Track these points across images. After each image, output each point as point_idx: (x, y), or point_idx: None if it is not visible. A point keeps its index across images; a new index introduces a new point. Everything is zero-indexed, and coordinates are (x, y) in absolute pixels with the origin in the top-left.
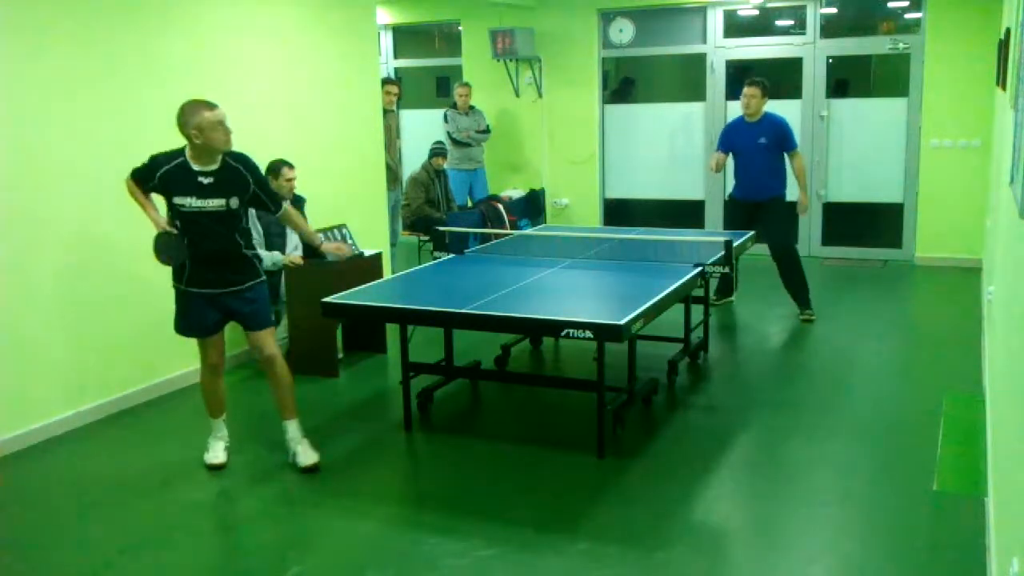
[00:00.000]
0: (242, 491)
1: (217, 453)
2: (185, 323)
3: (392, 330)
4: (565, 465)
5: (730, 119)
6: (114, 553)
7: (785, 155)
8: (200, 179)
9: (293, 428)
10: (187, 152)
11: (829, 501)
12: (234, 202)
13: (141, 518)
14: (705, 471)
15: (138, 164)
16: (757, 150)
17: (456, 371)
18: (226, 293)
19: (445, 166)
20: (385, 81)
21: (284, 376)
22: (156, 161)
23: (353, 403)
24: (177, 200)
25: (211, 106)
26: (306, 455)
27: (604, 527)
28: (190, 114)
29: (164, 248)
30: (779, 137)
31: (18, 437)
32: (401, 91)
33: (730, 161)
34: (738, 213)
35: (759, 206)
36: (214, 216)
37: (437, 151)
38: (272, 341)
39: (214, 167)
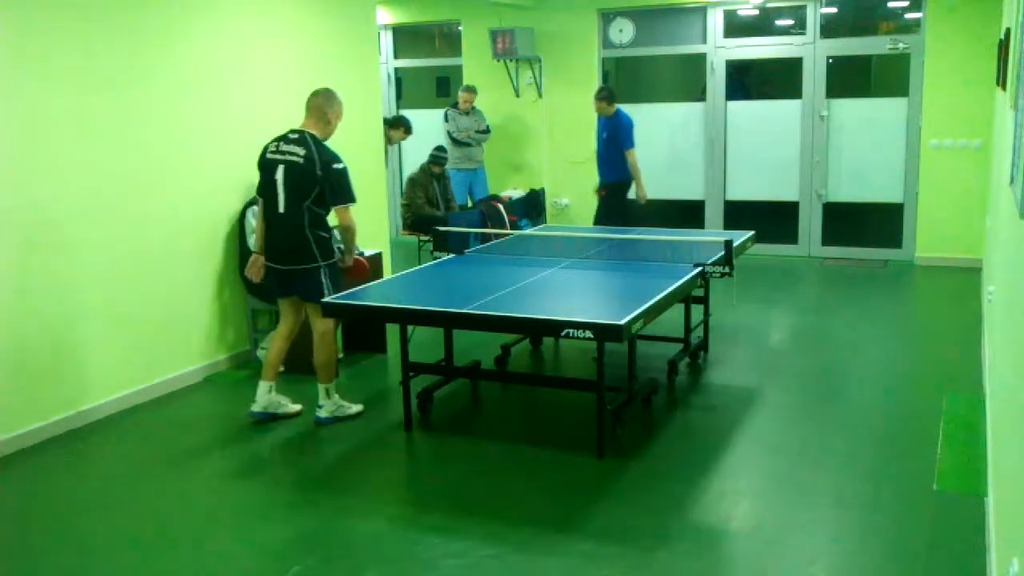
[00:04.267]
0: (242, 491)
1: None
2: None
3: (392, 330)
4: (565, 465)
5: (731, 118)
6: (113, 553)
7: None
8: None
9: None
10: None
11: (829, 501)
12: None
13: (141, 518)
14: (705, 471)
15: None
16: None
17: (456, 371)
18: None
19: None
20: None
21: None
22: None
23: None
24: None
25: None
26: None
27: (604, 527)
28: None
29: None
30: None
31: (18, 437)
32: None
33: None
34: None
35: None
36: None
37: (436, 159)
38: None
39: None
